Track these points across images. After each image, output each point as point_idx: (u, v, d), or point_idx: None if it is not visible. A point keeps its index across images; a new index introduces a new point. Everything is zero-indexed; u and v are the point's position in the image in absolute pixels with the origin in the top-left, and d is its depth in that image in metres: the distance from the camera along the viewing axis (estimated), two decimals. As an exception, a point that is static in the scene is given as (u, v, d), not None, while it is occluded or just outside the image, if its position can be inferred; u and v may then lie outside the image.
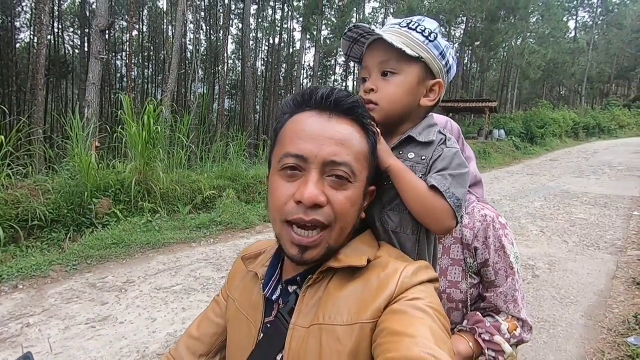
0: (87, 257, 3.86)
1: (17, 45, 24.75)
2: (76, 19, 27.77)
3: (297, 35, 33.16)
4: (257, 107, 31.75)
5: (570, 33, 39.31)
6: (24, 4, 23.94)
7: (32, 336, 2.54)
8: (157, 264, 3.92)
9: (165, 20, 28.08)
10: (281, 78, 34.71)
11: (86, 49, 22.50)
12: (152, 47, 31.12)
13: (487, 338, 0.94)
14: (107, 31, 9.72)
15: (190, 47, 26.42)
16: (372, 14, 35.45)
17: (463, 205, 0.66)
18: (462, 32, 30.01)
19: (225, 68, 28.62)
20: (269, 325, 0.63)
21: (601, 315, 3.03)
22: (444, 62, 0.71)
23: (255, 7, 28.18)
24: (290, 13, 31.47)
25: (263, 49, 35.14)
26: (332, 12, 25.79)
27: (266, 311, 0.64)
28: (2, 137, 4.35)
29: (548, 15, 29.75)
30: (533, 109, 25.90)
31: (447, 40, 0.72)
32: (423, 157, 0.67)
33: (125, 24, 26.44)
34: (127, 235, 4.37)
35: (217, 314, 0.75)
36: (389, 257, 0.61)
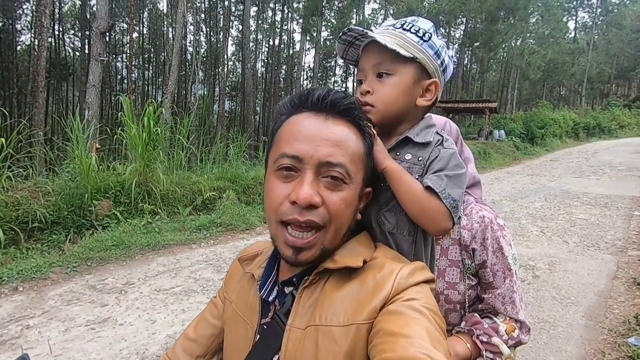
0: (87, 259, 3.86)
1: (18, 47, 24.81)
2: (77, 22, 27.85)
3: (297, 36, 33.24)
4: (258, 108, 31.79)
5: (570, 33, 39.39)
6: (24, 6, 24.03)
7: (32, 338, 2.54)
8: (157, 265, 3.92)
9: (165, 22, 28.10)
10: (281, 79, 34.74)
11: (87, 51, 22.60)
12: (152, 49, 31.17)
13: (485, 339, 0.94)
14: (107, 33, 9.75)
15: (190, 49, 26.53)
16: (372, 15, 35.51)
17: (460, 206, 0.66)
18: (462, 33, 30.05)
19: (226, 70, 28.65)
20: (265, 327, 0.63)
21: (602, 315, 3.02)
22: (439, 62, 0.71)
23: (255, 8, 28.27)
24: (290, 15, 31.52)
25: (263, 50, 35.24)
26: (332, 14, 25.86)
27: (263, 313, 0.64)
28: (3, 139, 4.35)
29: (548, 15, 29.79)
30: (533, 110, 25.91)
31: (443, 40, 0.72)
32: (420, 158, 0.67)
33: (125, 26, 26.51)
34: (127, 237, 4.37)
35: (214, 315, 0.75)
36: (385, 258, 0.61)
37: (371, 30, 0.69)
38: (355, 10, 27.87)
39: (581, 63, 35.39)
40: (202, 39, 28.81)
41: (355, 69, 0.76)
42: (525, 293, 3.37)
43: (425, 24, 0.70)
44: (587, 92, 38.91)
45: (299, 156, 0.57)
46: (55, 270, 3.59)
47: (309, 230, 0.57)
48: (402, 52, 0.66)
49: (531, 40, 29.40)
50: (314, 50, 25.79)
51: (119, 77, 29.93)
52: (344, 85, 38.48)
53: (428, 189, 0.64)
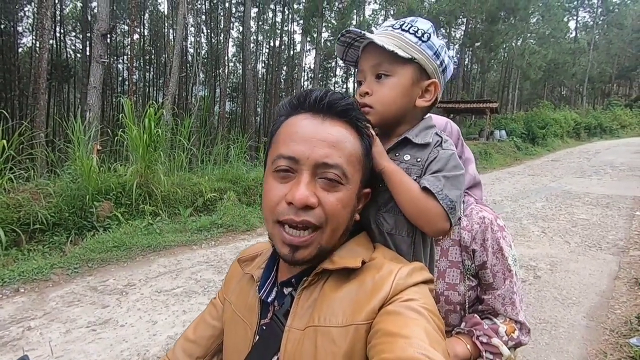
0: (89, 260, 3.87)
1: (20, 50, 24.87)
2: (78, 24, 27.91)
3: (297, 37, 33.32)
4: (258, 109, 31.79)
5: (571, 33, 39.33)
6: (26, 9, 24.12)
7: (34, 340, 2.54)
8: (158, 266, 3.92)
9: (166, 24, 28.19)
10: (282, 80, 34.77)
11: (88, 53, 22.65)
12: (153, 51, 31.23)
13: (485, 341, 0.93)
14: (108, 35, 9.78)
15: (191, 50, 26.59)
16: (372, 15, 35.52)
17: (458, 207, 0.65)
18: (462, 33, 30.05)
19: (226, 71, 28.68)
20: (264, 328, 0.63)
21: (603, 316, 3.01)
22: (438, 62, 0.71)
23: (255, 10, 28.32)
24: (290, 16, 31.54)
25: (264, 51, 35.27)
26: (332, 15, 25.84)
27: (262, 313, 0.64)
28: (5, 141, 4.37)
29: (548, 15, 29.75)
30: (534, 110, 25.85)
31: (443, 40, 0.72)
32: (419, 159, 0.67)
33: (126, 27, 26.60)
34: (128, 238, 4.38)
35: (214, 316, 0.75)
36: (384, 259, 0.61)
37: (370, 32, 0.69)
38: (355, 11, 27.90)
39: (582, 63, 35.34)
40: (203, 40, 28.93)
41: (356, 70, 0.76)
42: (527, 293, 3.36)
43: (424, 25, 0.70)
44: (588, 92, 38.85)
45: (295, 157, 0.57)
46: (56, 271, 3.59)
47: (306, 229, 0.57)
48: (401, 53, 0.66)
49: (532, 41, 29.37)
50: (314, 51, 25.80)
51: (120, 78, 29.99)
52: (344, 86, 38.51)
53: (425, 189, 0.64)
